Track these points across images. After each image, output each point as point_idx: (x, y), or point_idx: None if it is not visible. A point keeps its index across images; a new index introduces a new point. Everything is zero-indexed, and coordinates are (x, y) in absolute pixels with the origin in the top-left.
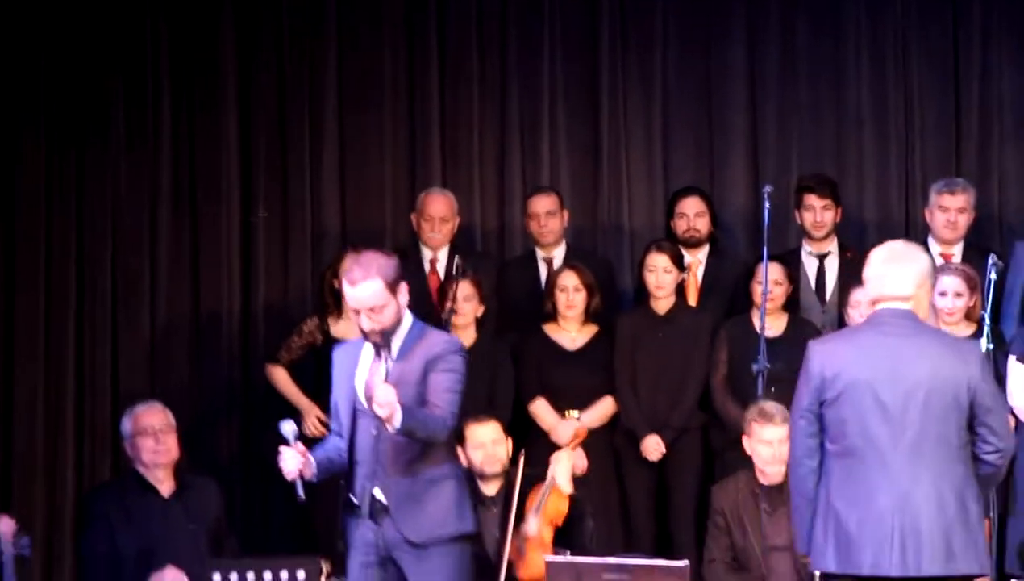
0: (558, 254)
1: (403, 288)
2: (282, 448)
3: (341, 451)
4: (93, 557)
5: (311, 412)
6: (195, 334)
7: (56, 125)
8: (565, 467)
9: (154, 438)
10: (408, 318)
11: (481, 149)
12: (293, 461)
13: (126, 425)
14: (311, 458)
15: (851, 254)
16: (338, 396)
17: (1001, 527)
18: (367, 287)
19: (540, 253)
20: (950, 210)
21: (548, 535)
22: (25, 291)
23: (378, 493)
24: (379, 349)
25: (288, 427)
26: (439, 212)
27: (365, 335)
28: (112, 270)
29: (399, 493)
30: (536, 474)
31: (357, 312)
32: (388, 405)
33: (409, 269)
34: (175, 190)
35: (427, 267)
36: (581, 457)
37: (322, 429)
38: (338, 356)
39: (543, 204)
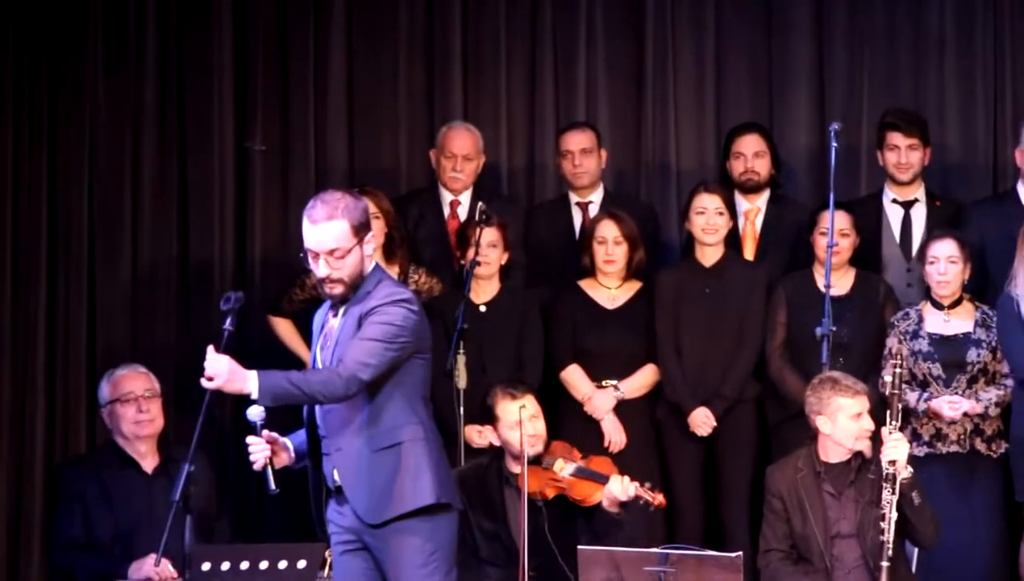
0: (595, 199)
1: (370, 238)
2: (248, 438)
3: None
4: (65, 541)
5: None
6: (182, 285)
7: (25, 42)
8: (618, 488)
9: (136, 406)
10: (371, 273)
11: (508, 77)
12: (260, 452)
13: (104, 390)
14: (288, 442)
15: (940, 203)
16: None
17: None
18: (330, 228)
19: (574, 197)
20: None
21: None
22: None
23: (335, 474)
24: (335, 306)
25: (255, 412)
26: (462, 149)
27: (320, 285)
28: (89, 211)
29: (350, 469)
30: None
31: (316, 256)
32: (218, 375)
33: (428, 212)
34: (160, 118)
35: (447, 211)
36: (619, 431)
37: None
38: (314, 323)
39: (578, 141)
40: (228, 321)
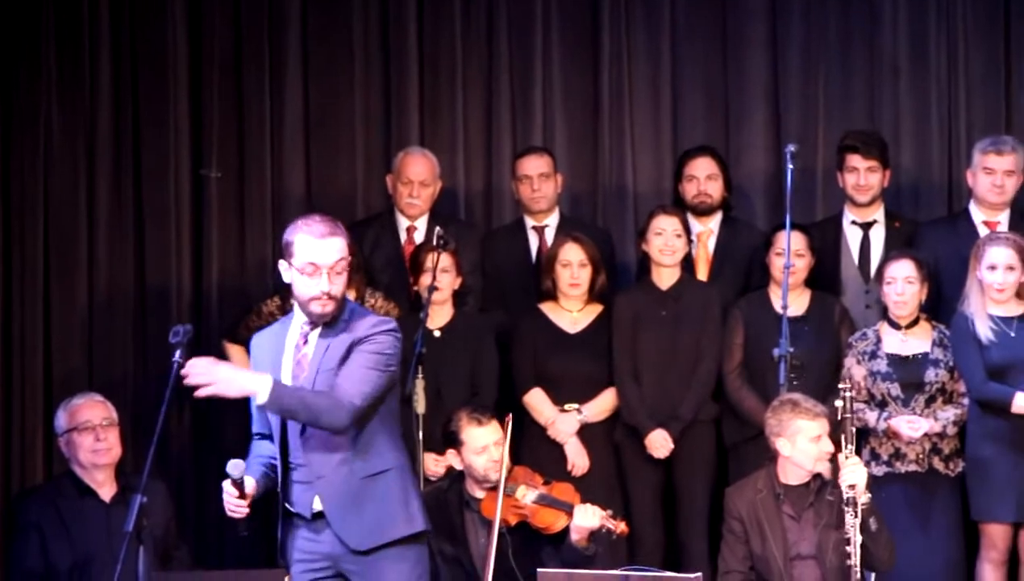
0: (551, 222)
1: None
2: (227, 489)
3: (275, 457)
4: (23, 572)
5: None
6: (139, 312)
7: None
8: (585, 518)
9: (93, 435)
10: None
11: (465, 102)
12: (240, 511)
13: (61, 419)
14: (253, 485)
15: (900, 224)
16: None
17: None
18: (334, 243)
19: (530, 221)
20: (996, 172)
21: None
22: None
23: (317, 502)
24: (310, 330)
25: (236, 469)
26: (419, 175)
27: (310, 303)
28: (44, 237)
29: (335, 497)
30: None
31: (317, 271)
32: (213, 380)
33: (384, 237)
34: (115, 145)
35: (403, 236)
36: (582, 455)
37: None
38: (257, 346)
39: (535, 165)
40: (177, 354)
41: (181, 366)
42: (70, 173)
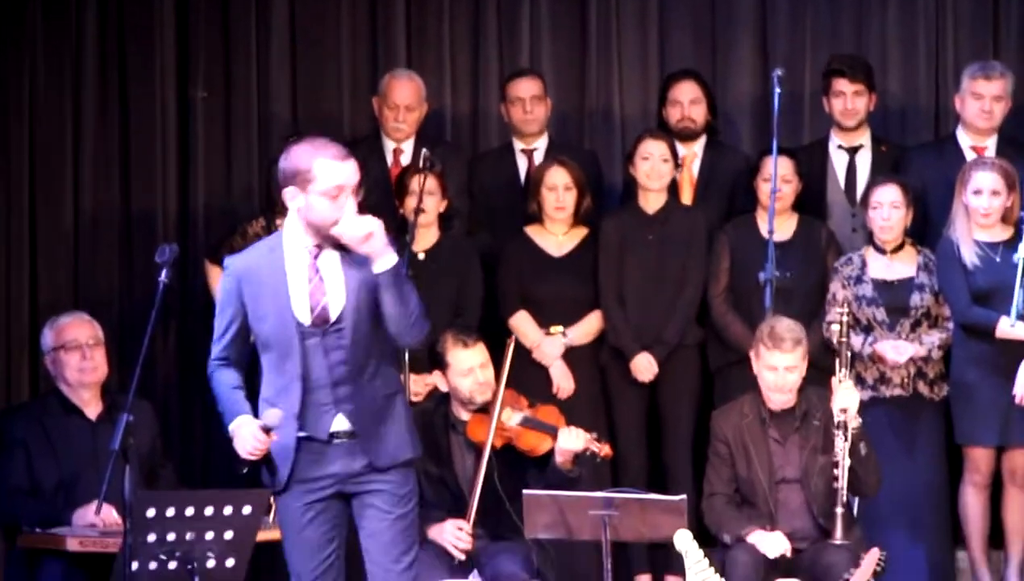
0: (540, 146)
1: None
2: (257, 438)
3: (242, 383)
4: (8, 487)
5: None
6: (125, 234)
7: None
8: (569, 440)
9: (80, 353)
10: None
11: (452, 24)
12: (260, 453)
13: (47, 338)
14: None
15: (886, 149)
16: (261, 318)
17: None
18: (353, 164)
19: (519, 144)
20: (985, 97)
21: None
22: None
23: (340, 421)
24: (318, 254)
25: (275, 420)
26: (405, 99)
27: (330, 230)
28: (30, 160)
29: (365, 416)
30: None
31: (340, 194)
32: (375, 232)
33: (371, 160)
34: (101, 67)
35: (390, 159)
36: (567, 378)
37: None
38: (244, 271)
39: (528, 88)
40: (163, 273)
41: (166, 286)
42: (56, 94)
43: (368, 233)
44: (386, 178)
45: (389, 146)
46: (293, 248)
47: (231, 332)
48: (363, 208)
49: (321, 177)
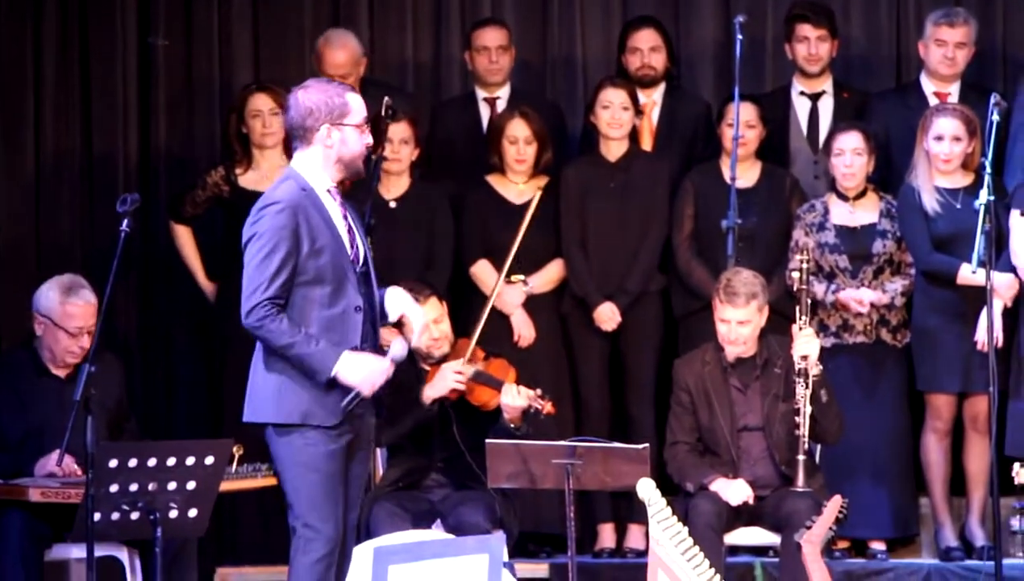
0: (502, 95)
1: None
2: (386, 372)
3: None
4: None
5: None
6: (87, 181)
7: None
8: (510, 397)
9: (77, 339)
10: None
11: None
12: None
13: (50, 304)
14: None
15: (849, 95)
16: (319, 251)
17: (1001, 407)
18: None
19: (481, 93)
20: (948, 44)
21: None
22: None
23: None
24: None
25: (401, 347)
26: (339, 69)
27: (360, 160)
28: None
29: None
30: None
31: (365, 127)
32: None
33: None
34: (62, 12)
35: None
36: (528, 326)
37: None
38: (299, 204)
39: (495, 37)
40: (124, 223)
41: (128, 235)
42: (16, 41)
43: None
44: None
45: None
46: (321, 190)
47: (287, 269)
48: None
49: (356, 109)
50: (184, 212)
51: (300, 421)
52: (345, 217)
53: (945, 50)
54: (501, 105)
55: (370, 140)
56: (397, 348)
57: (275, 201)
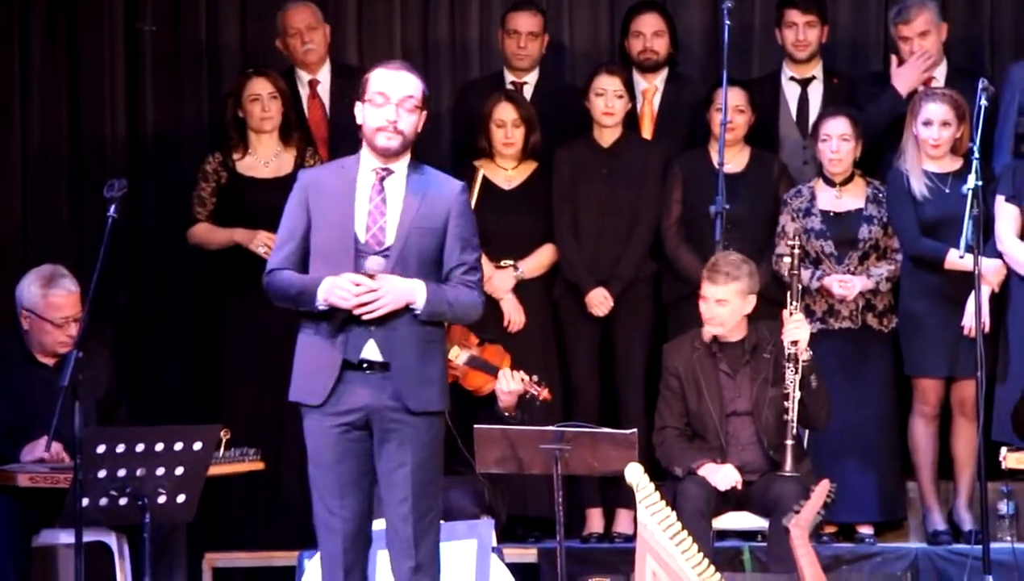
0: (530, 81)
1: (424, 117)
2: (352, 278)
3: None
4: None
5: (258, 236)
6: (75, 165)
7: None
8: (506, 382)
9: (63, 330)
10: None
11: None
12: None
13: (32, 296)
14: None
15: (838, 80)
16: (320, 228)
17: (989, 392)
18: (409, 78)
19: (509, 76)
20: (911, 38)
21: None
22: None
23: (371, 348)
24: (386, 176)
25: (376, 262)
26: (303, 21)
27: (376, 134)
28: None
29: (398, 353)
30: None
31: (384, 102)
32: (383, 305)
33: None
34: (49, 12)
35: (305, 91)
36: (518, 311)
37: None
38: (315, 183)
39: (527, 23)
40: (112, 208)
41: (115, 220)
42: (2, 26)
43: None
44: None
45: (304, 78)
46: (364, 169)
47: (293, 242)
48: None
49: (371, 84)
50: (197, 215)
51: (291, 399)
52: (379, 198)
53: (910, 45)
54: (528, 90)
55: (393, 116)
56: (373, 262)
57: (300, 176)
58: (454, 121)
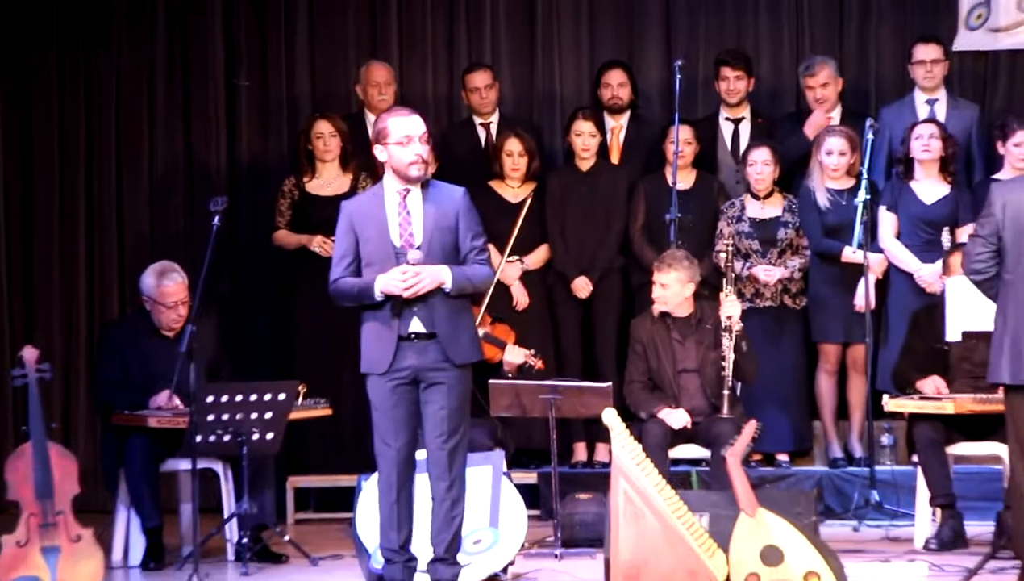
0: (494, 120)
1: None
2: (396, 274)
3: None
4: (106, 380)
5: (315, 239)
6: (189, 188)
7: (67, 38)
8: (513, 355)
9: (175, 310)
10: None
11: (433, 27)
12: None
13: (150, 286)
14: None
15: (761, 121)
16: (367, 241)
17: (875, 354)
18: (418, 119)
19: (477, 120)
20: (815, 88)
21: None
22: (41, 152)
23: (416, 323)
24: (407, 194)
25: (415, 255)
26: (382, 76)
27: (409, 168)
28: (116, 132)
29: (440, 322)
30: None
31: (409, 141)
32: (422, 286)
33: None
34: (169, 72)
35: (372, 130)
36: (524, 294)
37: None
38: (356, 212)
39: (482, 79)
40: (216, 219)
41: (218, 228)
42: (135, 86)
43: (422, 287)
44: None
45: (371, 118)
46: (389, 192)
47: (349, 257)
48: (368, 168)
49: (394, 130)
50: (278, 223)
51: (364, 370)
52: (404, 212)
53: (813, 93)
54: (493, 128)
55: (420, 150)
56: (413, 255)
57: (343, 208)
58: (438, 158)
